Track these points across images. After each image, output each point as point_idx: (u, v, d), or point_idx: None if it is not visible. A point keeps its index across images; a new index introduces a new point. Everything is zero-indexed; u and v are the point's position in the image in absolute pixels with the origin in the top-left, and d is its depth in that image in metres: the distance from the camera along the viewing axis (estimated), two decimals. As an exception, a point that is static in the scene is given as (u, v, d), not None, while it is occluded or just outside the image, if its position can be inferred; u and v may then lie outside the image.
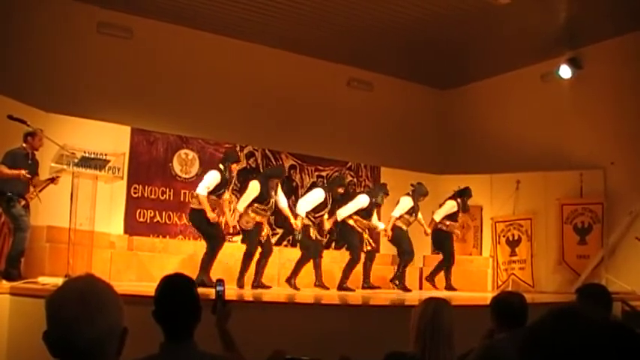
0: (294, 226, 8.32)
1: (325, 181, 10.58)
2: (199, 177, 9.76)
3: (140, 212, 9.37)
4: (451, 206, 9.72)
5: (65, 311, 1.49)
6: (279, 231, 9.99)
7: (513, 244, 11.06)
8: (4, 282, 6.04)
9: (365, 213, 8.87)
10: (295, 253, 8.79)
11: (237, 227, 8.03)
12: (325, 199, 8.55)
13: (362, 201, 8.86)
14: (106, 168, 7.28)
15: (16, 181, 6.62)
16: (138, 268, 8.35)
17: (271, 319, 5.06)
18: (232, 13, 9.85)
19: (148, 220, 9.42)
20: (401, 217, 9.25)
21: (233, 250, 8.34)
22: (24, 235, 6.69)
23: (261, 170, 10.10)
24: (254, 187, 7.93)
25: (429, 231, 9.65)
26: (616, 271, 9.85)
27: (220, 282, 3.19)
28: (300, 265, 8.35)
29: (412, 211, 9.34)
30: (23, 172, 6.53)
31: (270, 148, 10.64)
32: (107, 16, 9.67)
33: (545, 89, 11.29)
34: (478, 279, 10.65)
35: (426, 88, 12.83)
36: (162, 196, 9.59)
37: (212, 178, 7.71)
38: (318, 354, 2.67)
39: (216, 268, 7.68)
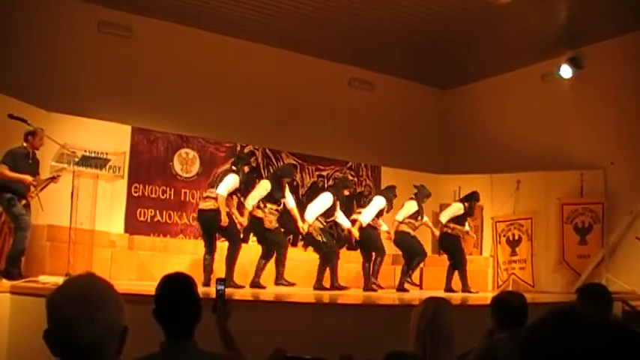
0: (301, 229, 8.35)
1: (326, 183, 10.59)
2: (200, 176, 9.80)
3: (140, 211, 9.37)
4: (457, 209, 9.60)
5: (66, 310, 1.50)
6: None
7: (514, 243, 11.06)
8: (4, 281, 6.04)
9: (380, 213, 9.02)
10: (295, 252, 8.81)
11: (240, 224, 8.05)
12: (334, 202, 8.52)
13: (380, 203, 8.97)
14: (107, 167, 7.27)
15: (17, 181, 6.62)
16: (138, 267, 8.35)
17: (271, 318, 5.06)
18: (233, 13, 9.85)
19: (149, 220, 9.42)
20: (404, 221, 9.23)
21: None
22: (24, 234, 6.69)
23: (262, 169, 10.11)
24: (264, 186, 8.00)
25: (437, 233, 9.61)
26: (616, 270, 9.84)
27: (221, 281, 3.19)
28: (321, 268, 8.35)
29: (417, 215, 9.30)
30: (29, 179, 6.54)
31: (271, 148, 10.64)
32: (108, 15, 9.67)
33: (546, 89, 11.28)
34: (478, 279, 10.63)
35: (427, 87, 12.82)
36: (163, 195, 9.59)
37: (232, 181, 7.76)
38: (318, 353, 2.67)
39: (218, 268, 7.69)
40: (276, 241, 8.04)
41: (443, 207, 9.78)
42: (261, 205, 8.03)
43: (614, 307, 3.87)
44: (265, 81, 10.82)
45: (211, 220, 7.67)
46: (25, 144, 6.78)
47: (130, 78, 9.74)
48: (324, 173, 11.07)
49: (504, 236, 11.17)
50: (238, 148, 10.14)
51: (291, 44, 10.89)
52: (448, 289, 9.30)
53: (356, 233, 8.76)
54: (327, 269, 8.33)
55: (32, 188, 6.75)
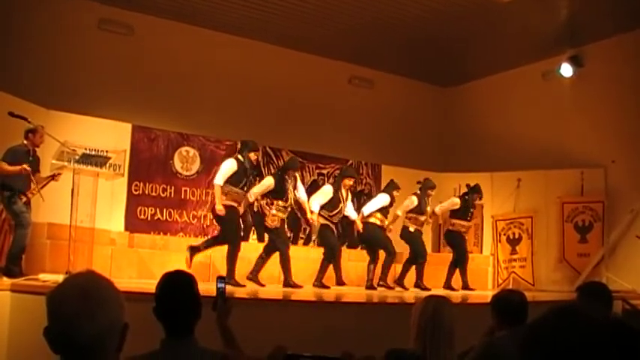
0: (310, 220, 8.34)
1: (327, 181, 10.58)
2: (200, 174, 9.80)
3: (141, 209, 9.38)
4: (451, 204, 9.65)
5: (66, 307, 1.50)
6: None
7: (514, 242, 11.06)
8: (4, 279, 6.05)
9: (384, 212, 8.95)
10: (298, 251, 8.81)
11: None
12: (334, 193, 8.43)
13: (383, 199, 8.93)
14: (107, 165, 7.26)
15: (18, 178, 6.63)
16: (138, 265, 8.35)
17: (272, 316, 5.07)
18: (233, 11, 9.85)
19: (149, 218, 9.42)
20: (408, 216, 9.20)
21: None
22: (25, 231, 6.69)
23: (262, 167, 10.10)
24: (267, 180, 7.99)
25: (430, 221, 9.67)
26: (616, 269, 9.85)
27: (221, 279, 3.19)
28: (323, 265, 8.32)
29: (419, 211, 9.23)
30: (24, 165, 6.53)
31: (271, 146, 10.63)
32: (108, 13, 9.67)
33: (547, 87, 11.28)
34: (479, 277, 10.64)
35: (428, 85, 12.82)
36: (163, 193, 9.59)
37: (227, 166, 7.62)
38: (319, 351, 2.67)
39: (220, 266, 7.69)
40: (276, 241, 7.93)
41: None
42: (268, 201, 8.02)
43: (614, 306, 3.88)
44: (266, 79, 10.82)
45: (226, 215, 7.63)
46: (25, 141, 6.78)
47: (131, 76, 9.73)
48: (325, 171, 11.07)
49: (505, 235, 11.18)
50: (239, 146, 10.13)
51: (292, 42, 10.89)
52: (447, 286, 9.30)
53: (359, 224, 8.72)
54: (330, 266, 8.31)
55: (33, 186, 6.75)
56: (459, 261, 9.44)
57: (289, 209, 8.15)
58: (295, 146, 10.81)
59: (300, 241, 10.41)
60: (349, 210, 8.69)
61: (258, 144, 8.13)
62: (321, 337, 4.38)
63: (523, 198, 11.10)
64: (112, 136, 8.95)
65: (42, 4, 9.06)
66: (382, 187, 9.99)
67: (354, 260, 9.57)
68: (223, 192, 7.55)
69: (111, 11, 9.66)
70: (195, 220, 9.74)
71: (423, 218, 9.31)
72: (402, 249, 9.49)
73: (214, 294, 3.13)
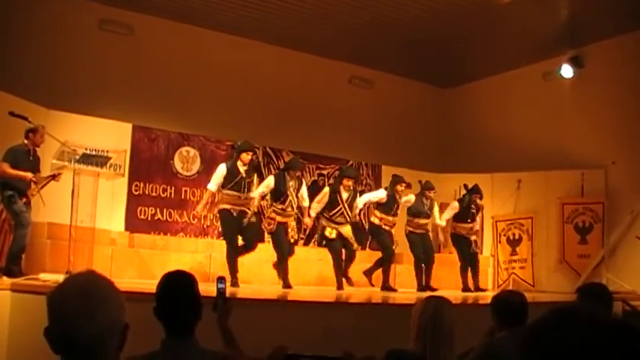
0: (304, 224, 8.31)
1: (327, 181, 10.58)
2: (200, 174, 9.80)
3: (141, 209, 9.38)
4: (452, 208, 9.52)
5: (66, 307, 1.50)
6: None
7: (514, 243, 11.06)
8: (4, 278, 6.04)
9: (387, 208, 8.79)
10: (305, 252, 8.80)
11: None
12: (332, 193, 8.36)
13: (377, 194, 8.88)
14: (107, 165, 7.26)
15: (18, 178, 6.63)
16: (139, 265, 8.35)
17: (272, 316, 5.07)
18: (234, 11, 9.85)
19: (149, 218, 9.42)
20: (408, 220, 9.15)
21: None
22: (25, 231, 6.69)
23: (262, 168, 10.09)
24: (267, 181, 7.97)
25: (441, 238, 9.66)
26: (617, 270, 9.85)
27: (221, 279, 3.19)
28: (335, 266, 8.24)
29: (416, 213, 9.14)
30: (30, 175, 6.55)
31: (271, 146, 10.63)
32: (108, 13, 9.67)
33: (547, 88, 11.28)
34: (479, 278, 10.63)
35: (428, 86, 12.82)
36: (164, 193, 9.59)
37: (218, 172, 7.69)
38: (319, 351, 2.67)
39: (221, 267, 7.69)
40: (273, 245, 7.94)
41: (443, 206, 9.73)
42: (267, 203, 8.00)
43: (614, 307, 3.88)
44: (266, 79, 10.82)
45: (220, 218, 7.81)
46: (25, 141, 6.78)
47: (131, 76, 9.73)
48: (325, 172, 11.06)
49: (505, 235, 11.18)
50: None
51: (292, 42, 10.89)
52: (465, 288, 9.24)
53: (356, 217, 8.69)
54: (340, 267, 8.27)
55: (33, 185, 6.75)
56: (465, 263, 9.39)
57: (291, 212, 8.01)
58: (295, 146, 10.80)
59: (301, 242, 10.40)
60: (359, 202, 8.63)
61: (252, 143, 8.01)
62: (321, 337, 4.37)
63: (523, 199, 11.10)
64: (113, 136, 8.95)
65: (42, 4, 9.06)
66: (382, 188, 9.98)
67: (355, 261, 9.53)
68: (218, 197, 7.66)
69: (111, 11, 9.66)
70: (196, 220, 9.73)
71: (418, 221, 9.14)
72: (400, 250, 9.52)
73: (215, 294, 3.13)
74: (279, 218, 7.87)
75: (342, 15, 9.87)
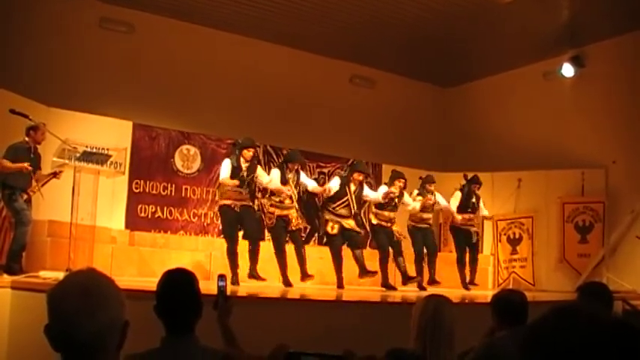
0: (325, 193, 8.28)
1: (327, 180, 10.56)
2: (201, 172, 9.81)
3: (141, 207, 9.38)
4: (455, 197, 9.53)
5: (67, 304, 1.50)
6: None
7: (514, 242, 11.06)
8: (5, 276, 6.05)
9: (382, 204, 8.73)
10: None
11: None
12: (342, 187, 8.34)
13: (374, 192, 8.81)
14: (108, 163, 7.27)
15: (19, 175, 6.63)
16: (139, 263, 8.35)
17: (273, 314, 5.07)
18: (235, 9, 9.85)
19: (150, 216, 9.42)
20: (410, 215, 9.14)
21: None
22: (25, 229, 6.70)
23: (263, 166, 10.07)
24: (273, 173, 8.01)
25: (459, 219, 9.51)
26: (617, 270, 9.84)
27: (222, 277, 3.19)
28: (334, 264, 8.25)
29: (422, 208, 9.12)
30: (25, 164, 6.54)
31: (272, 144, 10.63)
32: (109, 11, 9.67)
33: (548, 87, 11.27)
34: (479, 277, 10.60)
35: (428, 85, 12.82)
36: (164, 191, 9.59)
37: (224, 165, 7.73)
38: (320, 349, 2.67)
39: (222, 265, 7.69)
40: (273, 238, 7.97)
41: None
42: (267, 197, 8.01)
43: (614, 306, 3.88)
44: (267, 78, 10.82)
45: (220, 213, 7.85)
46: (26, 139, 6.79)
47: (132, 74, 9.73)
48: (325, 170, 11.07)
49: (505, 235, 11.17)
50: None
51: (293, 41, 10.89)
52: (464, 285, 9.26)
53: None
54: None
55: (34, 183, 6.76)
56: (462, 256, 9.41)
57: (290, 204, 7.99)
58: (296, 145, 10.74)
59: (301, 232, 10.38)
60: (369, 194, 8.63)
61: (253, 140, 7.96)
62: (322, 335, 4.37)
63: (523, 198, 11.10)
64: (113, 134, 8.95)
65: (43, 2, 9.07)
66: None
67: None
68: (219, 193, 7.71)
69: (112, 9, 9.67)
70: (196, 218, 9.74)
71: (421, 215, 9.17)
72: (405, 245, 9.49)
73: (215, 292, 3.13)
74: (277, 212, 7.89)
75: (342, 14, 9.86)
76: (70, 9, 9.31)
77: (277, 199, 7.91)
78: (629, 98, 10.19)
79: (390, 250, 8.78)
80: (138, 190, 9.35)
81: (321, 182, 10.40)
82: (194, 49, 10.26)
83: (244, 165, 7.72)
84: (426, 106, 12.74)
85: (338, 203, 8.32)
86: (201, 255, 8.70)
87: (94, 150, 7.19)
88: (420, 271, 9.07)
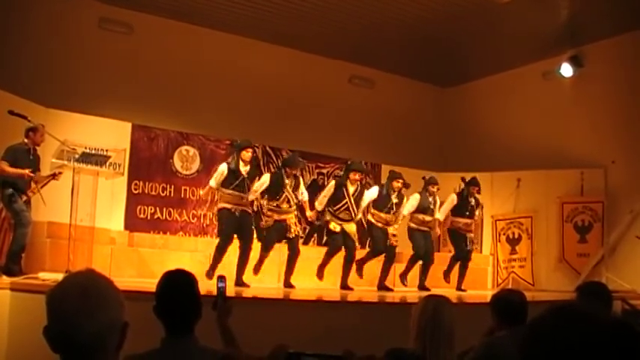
0: (309, 217, 8.24)
1: (326, 180, 10.56)
2: (200, 173, 9.81)
3: (141, 208, 9.38)
4: (451, 201, 9.37)
5: (66, 305, 1.49)
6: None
7: (514, 242, 11.06)
8: (4, 277, 6.04)
9: (379, 205, 8.61)
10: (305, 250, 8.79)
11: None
12: (337, 187, 8.27)
13: (371, 193, 8.64)
14: (107, 164, 7.26)
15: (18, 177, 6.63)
16: (138, 264, 8.35)
17: (272, 315, 5.07)
18: (233, 10, 9.84)
19: (149, 217, 9.42)
20: (412, 216, 9.01)
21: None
22: (25, 230, 6.69)
23: (262, 167, 10.08)
24: (263, 179, 7.90)
25: (438, 232, 9.40)
26: (616, 269, 9.85)
27: (221, 278, 3.19)
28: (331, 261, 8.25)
29: (423, 210, 8.99)
30: (27, 171, 6.54)
31: (271, 145, 10.63)
32: (108, 12, 9.66)
33: (547, 87, 11.28)
34: (478, 277, 10.64)
35: (428, 85, 12.82)
36: (163, 192, 9.59)
37: (219, 170, 7.66)
38: (320, 350, 2.67)
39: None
40: (263, 238, 7.92)
41: (442, 205, 9.72)
42: (265, 202, 7.98)
43: (613, 306, 3.88)
44: (266, 78, 10.82)
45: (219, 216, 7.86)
46: (25, 140, 6.78)
47: (131, 75, 9.73)
48: (324, 171, 11.07)
49: (504, 234, 11.18)
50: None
51: (292, 41, 10.89)
52: (458, 287, 9.18)
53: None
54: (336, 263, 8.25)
55: (33, 185, 6.75)
56: (457, 259, 9.34)
57: (288, 209, 7.93)
58: (295, 145, 10.79)
59: (300, 240, 10.38)
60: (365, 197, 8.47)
61: (250, 140, 7.91)
62: (321, 336, 4.37)
63: (523, 198, 11.10)
64: (112, 135, 8.94)
65: (42, 2, 9.06)
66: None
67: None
68: (218, 195, 7.67)
69: (111, 10, 9.66)
70: (195, 219, 9.74)
71: (423, 217, 9.03)
72: (401, 248, 9.48)
73: (215, 293, 3.13)
74: (275, 216, 7.82)
75: (342, 14, 9.86)
76: (68, 9, 9.30)
77: (274, 204, 7.84)
78: (628, 98, 10.20)
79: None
80: (137, 191, 9.35)
81: (320, 183, 10.43)
82: (193, 50, 10.26)
83: (244, 169, 7.63)
84: (426, 106, 12.74)
85: (338, 206, 8.24)
86: (201, 256, 8.68)
87: (93, 151, 7.18)
88: (409, 270, 9.06)
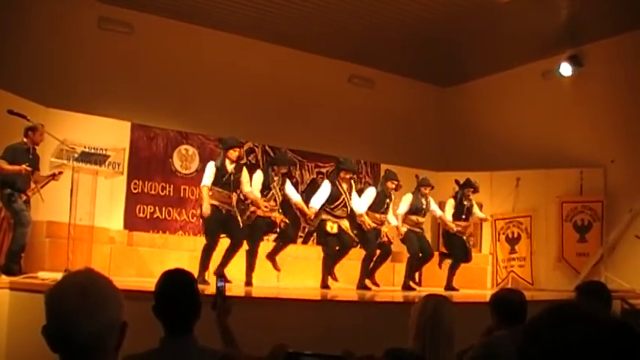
0: (308, 218, 8.09)
1: (325, 178, 10.54)
2: (199, 173, 9.76)
3: (140, 208, 9.38)
4: (450, 205, 9.35)
5: (65, 305, 1.49)
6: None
7: (513, 241, 11.07)
8: (3, 277, 6.04)
9: (374, 205, 8.51)
10: (294, 250, 8.78)
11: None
12: (332, 187, 8.14)
13: (369, 194, 8.58)
14: (106, 163, 7.26)
15: (17, 176, 6.62)
16: (137, 263, 8.35)
17: (271, 315, 5.06)
18: (233, 9, 9.85)
19: (148, 216, 9.42)
20: (405, 217, 8.89)
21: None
22: (25, 230, 6.69)
23: (261, 166, 10.07)
24: (257, 176, 7.76)
25: (454, 228, 9.21)
26: (615, 269, 9.85)
27: (221, 278, 3.19)
28: (329, 262, 8.13)
29: (416, 211, 8.92)
30: (24, 166, 6.53)
31: (271, 145, 10.63)
32: (108, 11, 9.67)
33: (546, 87, 11.28)
34: (477, 276, 10.65)
35: (427, 85, 12.82)
36: (162, 191, 9.59)
37: (208, 169, 7.51)
38: (320, 349, 2.67)
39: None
40: (248, 236, 7.72)
41: (442, 204, 9.68)
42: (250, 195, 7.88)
43: (613, 306, 3.88)
44: (266, 78, 10.82)
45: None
46: (25, 139, 6.78)
47: (130, 74, 9.73)
48: (324, 170, 11.07)
49: (504, 234, 11.18)
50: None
51: (292, 41, 10.89)
52: (448, 287, 9.13)
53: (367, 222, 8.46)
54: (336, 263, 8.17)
55: (33, 185, 6.75)
56: (457, 261, 9.29)
57: (274, 206, 7.76)
58: (295, 145, 10.80)
59: (299, 240, 10.38)
60: (355, 203, 8.30)
61: (237, 139, 7.80)
62: (321, 335, 4.37)
63: (522, 197, 11.11)
64: (112, 134, 8.95)
65: (41, 2, 9.05)
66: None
67: (354, 259, 9.50)
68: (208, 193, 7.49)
69: (111, 10, 9.66)
70: (195, 218, 9.72)
71: (417, 218, 8.94)
72: (398, 248, 9.48)
73: (214, 293, 3.13)
74: (259, 212, 7.65)
75: (342, 14, 9.87)
76: (68, 9, 9.30)
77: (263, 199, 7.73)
78: (627, 97, 10.20)
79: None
80: (136, 191, 9.35)
81: (320, 183, 10.39)
82: (193, 50, 10.26)
83: (230, 167, 7.52)
84: (425, 105, 12.75)
85: (336, 204, 8.16)
86: (199, 255, 8.67)
87: (93, 150, 7.18)
88: (413, 271, 9.01)
